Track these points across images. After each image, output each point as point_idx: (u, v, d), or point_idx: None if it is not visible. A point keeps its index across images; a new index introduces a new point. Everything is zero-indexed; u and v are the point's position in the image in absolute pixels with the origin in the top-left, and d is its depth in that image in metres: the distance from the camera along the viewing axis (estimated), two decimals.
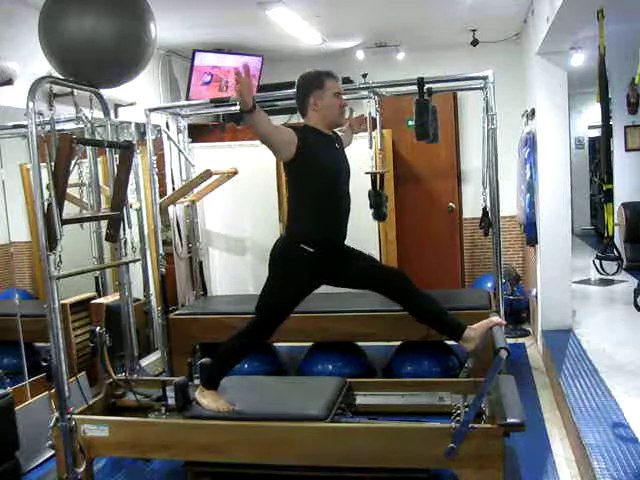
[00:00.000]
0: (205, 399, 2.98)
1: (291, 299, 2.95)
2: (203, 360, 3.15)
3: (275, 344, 4.80)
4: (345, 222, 3.00)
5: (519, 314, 5.73)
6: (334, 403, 2.99)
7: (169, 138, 5.13)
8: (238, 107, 2.58)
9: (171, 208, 5.00)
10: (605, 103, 3.79)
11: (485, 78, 4.07)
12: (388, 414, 3.22)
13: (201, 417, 2.94)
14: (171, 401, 3.15)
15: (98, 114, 3.62)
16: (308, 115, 2.94)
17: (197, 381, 3.29)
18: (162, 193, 4.92)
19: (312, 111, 2.91)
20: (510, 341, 4.34)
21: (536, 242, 4.98)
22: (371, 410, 3.30)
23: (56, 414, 2.94)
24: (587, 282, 6.37)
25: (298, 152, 2.78)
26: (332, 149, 2.97)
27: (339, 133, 3.17)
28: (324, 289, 5.00)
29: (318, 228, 2.88)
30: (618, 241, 6.15)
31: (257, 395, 3.21)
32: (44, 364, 3.25)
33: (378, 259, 5.33)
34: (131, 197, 4.32)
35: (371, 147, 4.63)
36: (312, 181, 2.86)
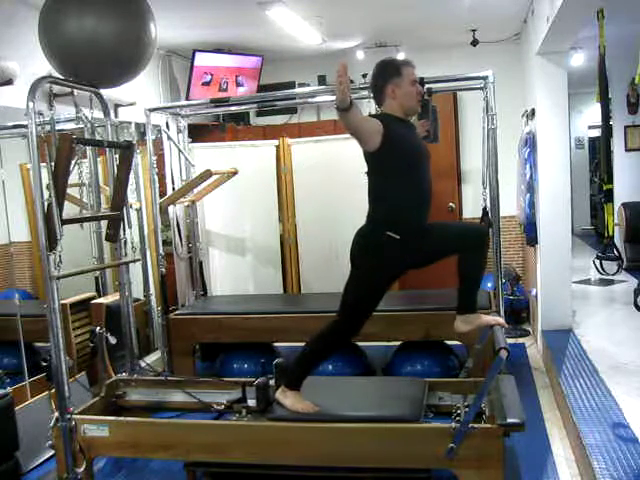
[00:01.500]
0: (288, 400, 2.89)
1: (380, 289, 2.88)
2: (279, 360, 3.09)
3: (275, 344, 4.81)
4: (429, 206, 2.95)
5: (519, 314, 5.73)
6: (421, 404, 2.94)
7: (169, 138, 5.13)
8: (335, 104, 2.57)
9: (171, 208, 4.99)
10: (605, 103, 3.80)
11: (485, 78, 4.07)
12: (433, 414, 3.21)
13: (284, 419, 2.86)
14: (252, 402, 3.07)
15: (98, 114, 3.62)
16: (385, 103, 2.89)
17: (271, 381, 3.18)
18: (162, 193, 4.92)
19: (390, 99, 2.87)
20: (510, 341, 4.32)
21: (536, 242, 4.98)
22: None
23: (56, 414, 2.94)
24: (587, 282, 6.37)
25: (384, 140, 2.74)
26: (413, 135, 2.97)
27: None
28: (324, 289, 5.01)
29: (404, 214, 2.83)
30: (618, 241, 6.16)
31: (337, 396, 3.13)
32: (44, 364, 3.25)
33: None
34: (131, 197, 4.32)
35: None
36: (398, 167, 2.82)
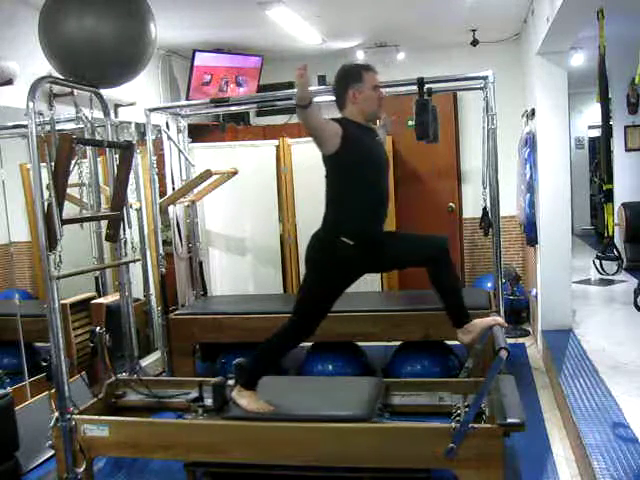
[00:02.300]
0: (244, 399, 2.93)
1: (332, 294, 2.91)
2: (239, 360, 3.10)
3: None
4: (385, 213, 2.98)
5: (519, 314, 5.73)
6: (374, 403, 2.96)
7: (169, 138, 5.13)
8: (295, 101, 2.60)
9: (171, 208, 4.99)
10: (605, 103, 3.80)
11: (485, 78, 4.07)
12: (389, 414, 3.22)
13: (239, 418, 2.88)
14: (208, 402, 3.08)
15: (98, 114, 3.62)
16: (347, 108, 2.92)
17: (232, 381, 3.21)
18: (162, 193, 4.92)
19: (351, 104, 2.90)
20: (510, 341, 4.33)
21: (536, 242, 4.98)
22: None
23: (56, 414, 2.94)
24: (587, 282, 6.37)
25: (342, 144, 2.77)
26: (372, 141, 2.97)
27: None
28: None
29: (359, 220, 2.86)
30: (618, 241, 6.16)
31: (293, 395, 3.16)
32: (44, 364, 3.25)
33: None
34: (131, 197, 4.32)
35: None
36: (354, 172, 2.84)
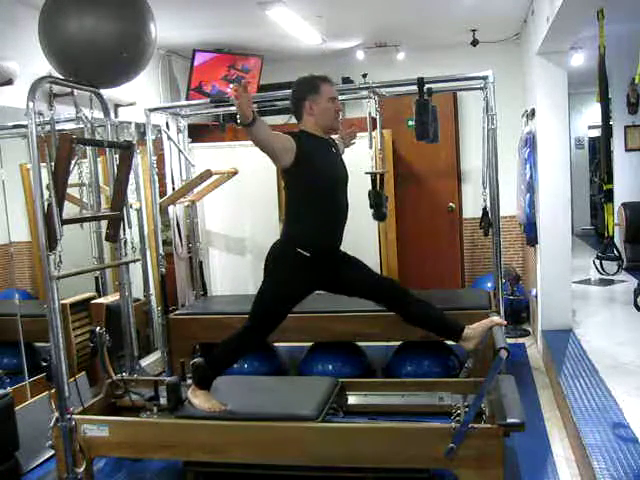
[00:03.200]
0: (197, 399, 2.98)
1: (286, 303, 2.95)
2: (195, 360, 3.13)
3: (275, 344, 4.80)
4: (342, 227, 3.00)
5: (519, 314, 5.73)
6: (326, 403, 2.99)
7: (169, 138, 5.13)
8: (238, 120, 2.59)
9: (171, 208, 5.00)
10: (605, 103, 3.79)
11: (485, 78, 4.07)
12: (388, 414, 3.22)
13: (193, 417, 2.93)
14: (164, 401, 3.14)
15: (98, 114, 3.62)
16: (303, 119, 2.94)
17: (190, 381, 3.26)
18: (162, 193, 4.92)
19: (308, 115, 2.91)
20: (510, 341, 4.34)
21: (536, 242, 4.98)
22: (371, 410, 3.31)
23: (56, 414, 2.94)
24: (587, 282, 6.37)
25: (296, 158, 2.78)
26: (329, 154, 2.98)
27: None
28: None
29: (314, 233, 2.89)
30: (618, 241, 6.16)
31: (249, 395, 3.21)
32: (44, 364, 3.25)
33: (378, 259, 5.34)
34: (131, 197, 4.32)
35: (371, 147, 4.62)
36: (310, 186, 2.87)
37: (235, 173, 5.05)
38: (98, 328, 3.51)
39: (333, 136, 3.12)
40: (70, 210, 3.72)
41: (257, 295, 2.98)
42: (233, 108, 5.37)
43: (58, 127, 3.46)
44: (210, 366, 3.03)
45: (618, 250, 3.90)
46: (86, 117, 3.67)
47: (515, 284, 5.74)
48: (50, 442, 2.97)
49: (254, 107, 2.61)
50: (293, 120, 6.93)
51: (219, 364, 3.05)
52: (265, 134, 2.70)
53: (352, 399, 3.40)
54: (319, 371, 4.46)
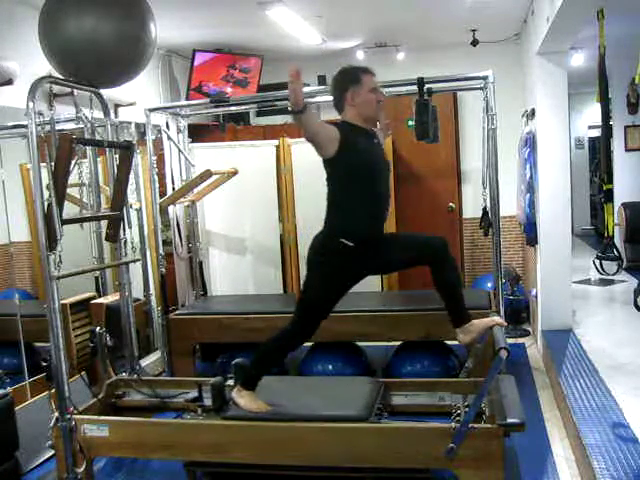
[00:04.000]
0: (243, 399, 2.93)
1: (333, 295, 2.91)
2: (238, 360, 3.11)
3: None
4: (385, 215, 2.99)
5: (519, 314, 5.73)
6: (374, 403, 2.96)
7: (169, 138, 5.13)
8: (289, 107, 2.59)
9: (171, 208, 5.00)
10: (605, 103, 3.80)
11: (485, 78, 4.07)
12: (388, 414, 3.22)
13: (239, 418, 2.89)
14: (207, 402, 3.09)
15: (98, 114, 3.62)
16: (345, 111, 2.91)
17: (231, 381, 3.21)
18: (162, 193, 4.92)
19: (349, 106, 2.89)
20: (510, 341, 4.34)
21: (536, 242, 4.98)
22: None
23: (56, 414, 2.94)
24: (587, 282, 6.37)
25: (340, 148, 2.77)
26: (371, 143, 2.96)
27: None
28: None
29: (358, 222, 2.86)
30: (618, 241, 6.16)
31: (293, 395, 3.16)
32: (44, 364, 3.24)
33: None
34: (131, 197, 4.32)
35: None
36: (353, 175, 2.85)
37: (235, 173, 5.04)
38: (98, 328, 3.51)
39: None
40: (70, 210, 3.72)
41: (302, 290, 2.95)
42: (233, 108, 5.40)
43: (58, 127, 3.45)
44: (255, 366, 3.00)
45: (618, 250, 3.90)
46: (86, 117, 3.67)
47: (515, 284, 5.74)
48: (50, 442, 2.96)
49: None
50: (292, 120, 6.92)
51: (264, 364, 3.02)
52: (314, 122, 2.70)
53: None
54: (319, 371, 4.46)
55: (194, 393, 3.15)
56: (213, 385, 3.01)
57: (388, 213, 3.03)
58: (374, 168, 2.93)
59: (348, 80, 2.89)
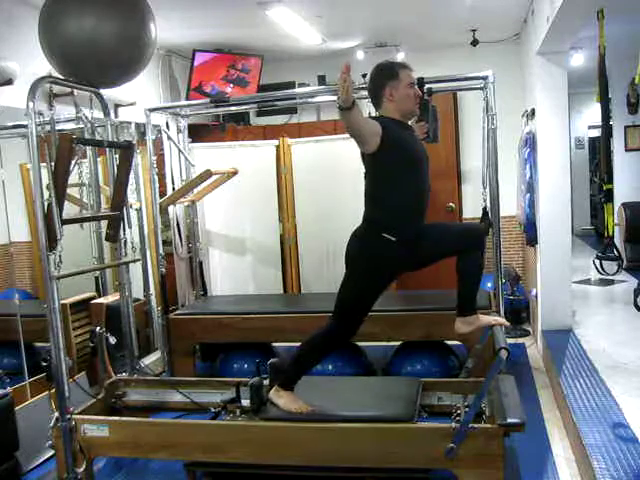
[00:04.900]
0: (282, 400, 2.91)
1: (375, 291, 2.88)
2: (273, 360, 3.08)
3: (274, 344, 4.81)
4: (425, 209, 2.96)
5: (519, 314, 5.73)
6: (415, 403, 2.94)
7: (169, 138, 5.13)
8: (337, 103, 2.58)
9: (171, 208, 5.00)
10: (605, 103, 3.80)
11: (485, 78, 4.07)
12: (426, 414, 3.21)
13: (277, 419, 2.86)
14: (245, 402, 3.06)
15: (98, 114, 3.62)
16: (383, 106, 2.90)
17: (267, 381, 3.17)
18: (162, 193, 4.92)
19: (388, 102, 2.88)
20: (510, 341, 4.33)
21: (536, 242, 4.98)
22: None
23: (56, 414, 2.94)
24: (587, 282, 6.37)
25: (382, 142, 2.75)
26: (413, 137, 2.97)
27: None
28: (324, 289, 4.99)
29: (401, 215, 2.84)
30: (618, 241, 6.16)
31: (331, 396, 3.13)
32: (44, 364, 3.25)
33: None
34: (131, 197, 4.32)
35: None
36: (396, 168, 2.83)
37: (235, 173, 5.04)
38: (98, 328, 3.51)
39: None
40: (70, 210, 3.72)
41: (342, 288, 2.90)
42: (233, 108, 5.40)
43: (58, 127, 3.46)
44: (294, 366, 2.97)
45: (618, 250, 3.91)
46: (86, 117, 3.68)
47: (515, 284, 5.74)
48: (50, 442, 2.96)
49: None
50: (293, 120, 6.97)
51: (304, 364, 2.98)
52: (360, 119, 2.68)
53: None
54: (319, 371, 4.45)
55: (231, 394, 3.09)
56: (252, 386, 2.97)
57: (428, 205, 2.99)
58: (416, 161, 2.91)
59: (386, 76, 2.87)
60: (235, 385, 3.11)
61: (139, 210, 4.77)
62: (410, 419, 2.78)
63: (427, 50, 6.14)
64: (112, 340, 3.69)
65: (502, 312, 4.05)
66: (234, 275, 5.61)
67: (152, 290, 4.93)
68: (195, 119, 5.71)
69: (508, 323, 3.02)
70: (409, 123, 3.04)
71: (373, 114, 3.08)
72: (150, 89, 5.55)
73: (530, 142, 4.92)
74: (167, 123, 5.30)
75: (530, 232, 5.01)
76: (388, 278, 2.93)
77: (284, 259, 5.65)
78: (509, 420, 2.50)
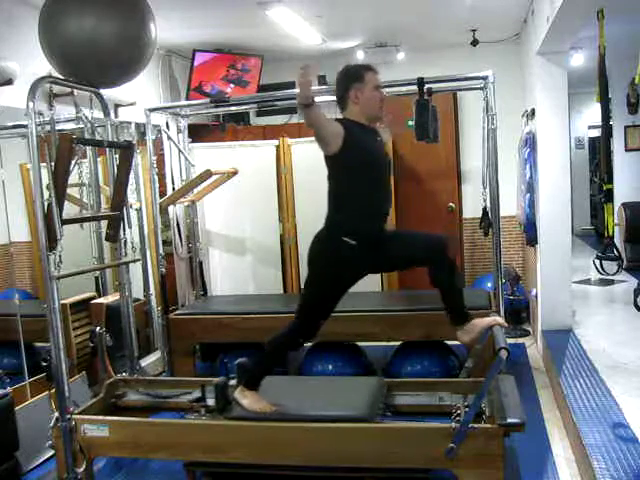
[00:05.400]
0: (246, 399, 2.93)
1: (336, 293, 2.91)
2: (241, 360, 3.10)
3: None
4: (386, 213, 2.99)
5: (519, 314, 5.73)
6: (377, 403, 2.96)
7: (169, 138, 5.14)
8: (297, 101, 2.61)
9: (171, 208, 5.00)
10: (605, 103, 3.80)
11: (485, 78, 4.07)
12: (392, 414, 3.21)
13: (242, 418, 2.88)
14: (210, 402, 3.09)
15: (98, 114, 3.62)
16: (348, 108, 2.92)
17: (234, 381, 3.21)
18: (162, 193, 4.92)
19: (353, 104, 2.89)
20: (510, 341, 4.33)
21: (536, 242, 4.98)
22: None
23: (56, 414, 2.94)
24: (587, 282, 6.37)
25: (344, 144, 2.77)
26: (374, 141, 2.97)
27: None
28: None
29: (360, 219, 2.86)
30: (618, 241, 6.16)
31: (296, 395, 3.16)
32: (44, 364, 3.25)
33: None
34: (131, 197, 4.32)
35: None
36: (356, 173, 2.84)
37: (235, 173, 5.05)
38: (98, 328, 3.51)
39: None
40: (70, 210, 3.72)
41: (304, 290, 2.95)
42: (233, 108, 5.41)
43: (58, 127, 3.46)
44: (258, 366, 3.01)
45: (618, 250, 3.91)
46: (86, 117, 3.68)
47: (515, 284, 5.74)
48: (50, 442, 2.96)
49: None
50: (293, 120, 6.96)
51: (267, 364, 3.02)
52: (320, 118, 2.70)
53: None
54: (319, 371, 4.46)
55: (197, 393, 3.15)
56: (216, 385, 3.00)
57: (389, 210, 3.03)
58: (376, 165, 2.93)
59: (351, 78, 2.89)
60: (201, 385, 3.16)
61: (139, 210, 4.77)
62: (371, 418, 2.80)
63: (427, 50, 6.14)
64: (109, 341, 3.70)
65: (502, 312, 4.05)
66: (234, 275, 5.61)
67: (152, 290, 4.93)
68: (195, 119, 5.71)
69: (506, 324, 3.02)
70: (375, 127, 3.04)
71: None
72: (150, 89, 5.55)
73: (530, 142, 4.92)
74: (167, 123, 5.30)
75: (530, 232, 5.01)
76: (349, 280, 2.94)
77: (284, 259, 5.66)
78: (509, 420, 2.50)
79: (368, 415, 2.82)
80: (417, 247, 2.99)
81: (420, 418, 3.08)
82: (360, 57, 6.10)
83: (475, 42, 5.65)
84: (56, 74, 3.31)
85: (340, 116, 2.94)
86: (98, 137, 3.73)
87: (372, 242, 2.87)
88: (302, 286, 3.00)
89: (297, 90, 2.64)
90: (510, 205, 5.50)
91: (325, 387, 3.38)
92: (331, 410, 2.91)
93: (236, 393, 2.98)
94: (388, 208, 3.01)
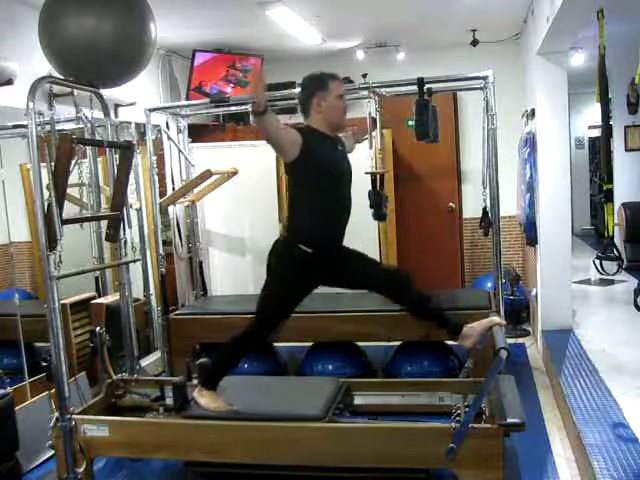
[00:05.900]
0: (203, 399, 2.98)
1: (290, 300, 2.96)
2: (202, 360, 3.14)
3: (275, 344, 4.80)
4: (344, 223, 3.01)
5: (519, 314, 5.73)
6: (332, 403, 2.99)
7: (169, 138, 5.13)
8: (250, 108, 2.63)
9: (171, 208, 5.00)
10: (605, 103, 3.80)
11: (485, 78, 4.07)
12: (388, 414, 3.22)
13: (199, 417, 2.93)
14: (170, 401, 3.15)
15: (98, 114, 3.62)
16: (311, 116, 2.94)
17: (196, 381, 3.28)
18: (162, 193, 4.92)
19: (315, 112, 2.92)
20: (510, 341, 4.33)
21: (536, 242, 4.98)
22: (371, 410, 3.30)
23: (56, 414, 2.94)
24: (587, 282, 6.37)
25: (302, 152, 2.79)
26: (334, 150, 2.98)
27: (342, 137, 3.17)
28: (324, 289, 4.97)
29: (317, 229, 2.89)
30: (618, 241, 6.16)
31: (255, 395, 3.21)
32: (44, 364, 3.25)
33: (378, 259, 5.33)
34: (131, 197, 4.32)
35: (371, 147, 4.62)
36: (313, 181, 2.87)
37: (235, 173, 5.05)
38: (98, 328, 3.51)
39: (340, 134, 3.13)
40: (70, 210, 3.72)
41: (261, 294, 2.98)
42: (233, 108, 5.40)
43: (58, 127, 3.46)
44: (216, 366, 3.04)
45: (618, 250, 3.91)
46: (86, 117, 3.68)
47: (515, 284, 5.74)
48: (50, 442, 2.97)
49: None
50: (293, 120, 6.95)
51: (225, 364, 3.06)
52: (275, 125, 2.72)
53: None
54: (319, 371, 4.45)
55: (157, 393, 3.21)
56: (174, 385, 3.04)
57: (347, 221, 3.03)
58: (335, 175, 2.94)
59: (315, 86, 2.91)
60: (160, 384, 3.24)
61: (139, 210, 4.77)
62: (322, 418, 2.82)
63: (427, 50, 6.14)
64: (109, 341, 3.69)
65: (502, 312, 4.05)
66: (234, 275, 5.61)
67: (152, 290, 4.93)
68: (195, 119, 5.71)
69: (505, 322, 3.02)
70: (338, 136, 3.05)
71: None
72: (150, 89, 5.54)
73: (530, 142, 4.92)
74: (167, 123, 5.30)
75: (530, 232, 5.00)
76: (305, 288, 2.98)
77: None
78: (509, 420, 2.50)
79: (321, 414, 2.85)
80: (379, 279, 3.04)
81: (420, 418, 3.08)
82: (360, 57, 6.11)
83: (475, 42, 5.65)
84: (56, 74, 3.31)
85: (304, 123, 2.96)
86: (98, 137, 3.73)
87: (328, 253, 2.90)
88: (262, 288, 3.02)
89: (296, 90, 2.66)
90: (510, 205, 5.50)
91: (280, 388, 3.42)
92: (284, 409, 2.96)
93: (195, 392, 3.02)
94: (345, 218, 3.01)
